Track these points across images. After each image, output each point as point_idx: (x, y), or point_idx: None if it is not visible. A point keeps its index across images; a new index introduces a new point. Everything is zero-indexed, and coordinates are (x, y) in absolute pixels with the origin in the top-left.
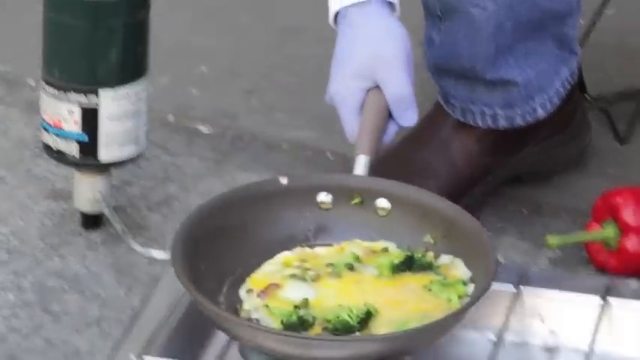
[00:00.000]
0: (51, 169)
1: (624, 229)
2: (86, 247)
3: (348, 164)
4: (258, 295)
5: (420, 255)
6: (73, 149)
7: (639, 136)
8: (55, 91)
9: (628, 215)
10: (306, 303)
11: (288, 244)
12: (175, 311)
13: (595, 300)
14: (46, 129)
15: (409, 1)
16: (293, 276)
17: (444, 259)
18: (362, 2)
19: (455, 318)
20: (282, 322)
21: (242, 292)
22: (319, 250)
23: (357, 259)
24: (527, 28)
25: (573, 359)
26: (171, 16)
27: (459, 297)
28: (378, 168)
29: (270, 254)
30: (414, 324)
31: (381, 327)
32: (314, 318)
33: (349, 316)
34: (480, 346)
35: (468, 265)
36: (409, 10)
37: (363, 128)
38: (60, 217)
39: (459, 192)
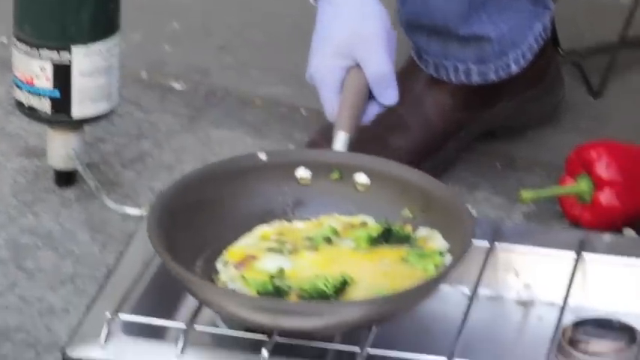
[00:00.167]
0: (24, 126)
1: (598, 183)
2: (60, 204)
3: (321, 120)
4: (235, 267)
5: (397, 228)
6: (45, 106)
7: (612, 90)
8: (27, 48)
9: (602, 169)
10: (281, 273)
11: (266, 218)
12: (150, 268)
13: (569, 254)
14: (18, 86)
15: None
16: (270, 249)
17: (422, 231)
18: None
19: (430, 285)
20: (258, 291)
21: (219, 264)
22: (297, 224)
23: (335, 232)
24: None
25: (547, 313)
26: None
27: (436, 267)
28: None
29: (248, 228)
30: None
31: (356, 296)
32: (290, 287)
33: (325, 285)
34: (455, 300)
35: (445, 237)
36: None
37: (343, 105)
38: (33, 175)
39: (432, 147)
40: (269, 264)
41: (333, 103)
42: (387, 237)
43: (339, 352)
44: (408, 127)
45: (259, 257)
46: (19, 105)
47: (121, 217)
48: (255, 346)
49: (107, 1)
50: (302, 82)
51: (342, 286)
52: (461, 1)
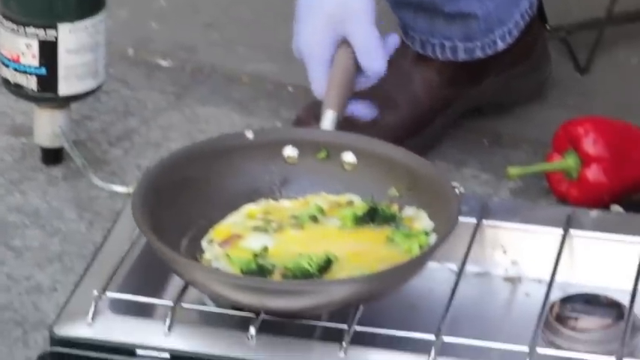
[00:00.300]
0: (10, 104)
1: (585, 159)
2: (47, 182)
3: (308, 97)
4: (220, 245)
5: (383, 207)
6: (31, 83)
7: (599, 66)
8: (14, 26)
9: (588, 145)
10: (265, 251)
11: (253, 197)
12: (137, 246)
13: (556, 231)
14: (4, 63)
15: None
16: (256, 227)
17: (408, 210)
18: None
19: (415, 264)
20: (241, 270)
21: (204, 243)
22: (284, 203)
23: (321, 211)
24: None
25: (535, 289)
26: None
27: (420, 247)
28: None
29: (234, 207)
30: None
31: (340, 275)
32: (273, 266)
33: (309, 263)
34: (442, 277)
35: (431, 216)
36: None
37: (332, 84)
38: (20, 153)
39: (419, 124)
40: (254, 242)
41: (321, 80)
42: (373, 216)
43: (327, 329)
44: (395, 104)
45: (244, 236)
46: (6, 83)
47: (108, 195)
48: (242, 324)
49: None
50: (289, 59)
51: (326, 264)
52: None
